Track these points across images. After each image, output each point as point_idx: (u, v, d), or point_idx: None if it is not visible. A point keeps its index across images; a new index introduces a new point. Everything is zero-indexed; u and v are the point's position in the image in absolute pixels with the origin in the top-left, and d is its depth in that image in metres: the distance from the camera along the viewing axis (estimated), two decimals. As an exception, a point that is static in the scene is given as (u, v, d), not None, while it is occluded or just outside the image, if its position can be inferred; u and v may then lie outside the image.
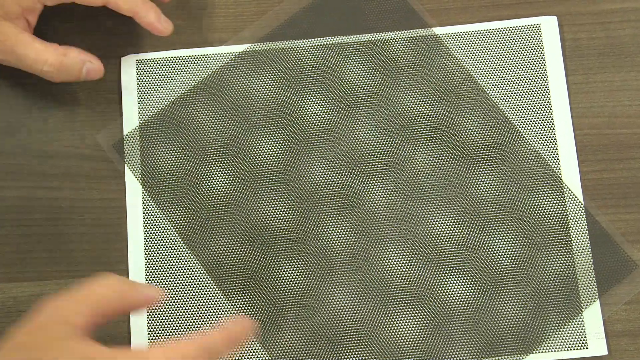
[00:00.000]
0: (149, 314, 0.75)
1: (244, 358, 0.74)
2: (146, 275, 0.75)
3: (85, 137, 0.79)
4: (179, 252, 0.76)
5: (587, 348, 0.74)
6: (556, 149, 0.78)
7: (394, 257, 0.76)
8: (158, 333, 0.75)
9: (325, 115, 0.79)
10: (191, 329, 0.75)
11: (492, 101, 0.78)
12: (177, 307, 0.75)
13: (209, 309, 0.75)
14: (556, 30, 0.80)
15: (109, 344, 0.60)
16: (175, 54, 0.80)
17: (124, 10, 0.75)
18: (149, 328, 0.75)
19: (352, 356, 0.74)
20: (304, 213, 0.77)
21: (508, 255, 0.75)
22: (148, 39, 0.81)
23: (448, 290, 0.75)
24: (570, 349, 0.74)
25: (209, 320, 0.75)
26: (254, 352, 0.74)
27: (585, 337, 0.74)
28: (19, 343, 0.58)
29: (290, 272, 0.76)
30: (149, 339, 0.74)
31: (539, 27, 0.80)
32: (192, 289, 0.75)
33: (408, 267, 0.75)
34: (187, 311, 0.75)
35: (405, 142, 0.78)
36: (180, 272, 0.76)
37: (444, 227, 0.76)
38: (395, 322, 0.74)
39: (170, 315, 0.75)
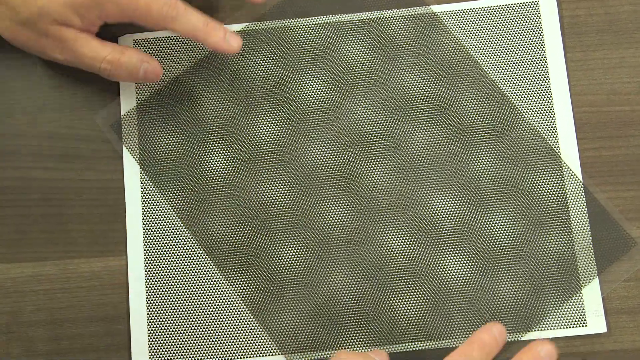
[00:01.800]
0: (148, 293, 0.75)
1: (247, 341, 0.74)
2: (144, 255, 0.75)
3: (83, 118, 0.79)
4: (178, 233, 0.76)
5: (586, 325, 0.74)
6: (555, 126, 0.77)
7: (393, 237, 0.75)
8: (156, 315, 0.75)
9: (323, 94, 0.78)
10: (190, 309, 0.75)
11: (491, 79, 0.78)
12: (176, 287, 0.75)
13: (208, 290, 0.75)
14: (554, 7, 0.79)
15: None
16: (173, 33, 0.80)
17: (183, 34, 0.74)
18: (148, 312, 0.75)
19: (352, 335, 0.74)
20: (302, 193, 0.77)
21: (507, 233, 0.75)
22: (145, 19, 0.81)
23: (447, 269, 0.75)
24: (570, 327, 0.74)
25: (209, 300, 0.75)
26: (254, 333, 0.74)
27: (584, 314, 0.74)
28: None
29: (289, 252, 0.75)
30: (148, 322, 0.75)
31: (537, 4, 0.79)
32: (190, 270, 0.75)
33: (407, 246, 0.75)
34: (186, 291, 0.75)
35: (403, 121, 0.78)
36: (178, 252, 0.76)
37: (442, 205, 0.76)
38: (394, 301, 0.74)
39: (169, 296, 0.75)
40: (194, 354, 0.74)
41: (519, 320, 0.74)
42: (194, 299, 0.75)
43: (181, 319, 0.75)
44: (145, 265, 0.75)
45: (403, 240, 0.75)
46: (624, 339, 0.74)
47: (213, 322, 0.75)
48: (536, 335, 0.74)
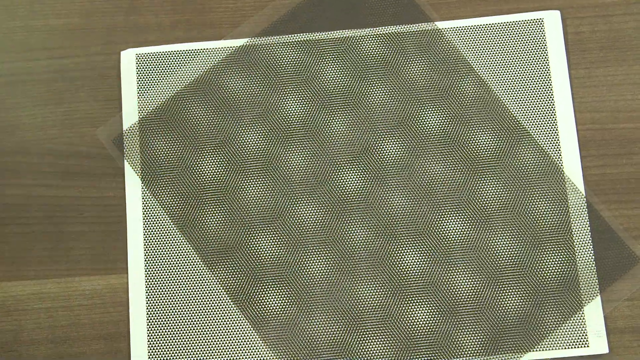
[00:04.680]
0: (148, 311, 0.75)
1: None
2: (145, 272, 0.75)
3: (85, 135, 0.78)
4: (179, 249, 0.76)
5: (587, 346, 0.73)
6: (558, 143, 0.77)
7: (402, 252, 0.75)
8: (157, 334, 0.75)
9: (326, 111, 0.78)
10: (193, 325, 0.75)
11: (495, 95, 0.78)
12: (178, 306, 0.75)
13: (209, 306, 0.75)
14: (559, 25, 0.79)
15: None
16: (175, 48, 0.80)
17: None
18: (148, 331, 0.75)
19: (361, 348, 0.74)
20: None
21: (510, 250, 0.75)
22: (148, 34, 0.80)
23: (455, 286, 0.74)
24: (571, 347, 0.73)
25: (210, 317, 0.75)
26: (255, 350, 0.74)
27: (586, 334, 0.73)
28: None
29: (299, 270, 0.75)
30: (148, 340, 0.75)
31: (542, 22, 0.79)
32: (192, 286, 0.75)
33: (416, 261, 0.75)
34: (187, 308, 0.75)
35: (409, 137, 0.77)
36: (180, 269, 0.76)
37: (450, 224, 0.76)
38: (407, 314, 0.74)
39: (170, 314, 0.75)
40: (195, 372, 0.74)
41: (520, 338, 0.73)
42: (196, 316, 0.75)
43: (182, 337, 0.75)
44: (147, 283, 0.75)
45: (412, 257, 0.75)
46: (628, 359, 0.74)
47: (214, 342, 0.75)
48: (536, 355, 0.73)
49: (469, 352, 0.74)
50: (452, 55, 0.79)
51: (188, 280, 0.75)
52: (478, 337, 0.74)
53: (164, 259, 0.76)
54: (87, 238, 0.77)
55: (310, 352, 0.74)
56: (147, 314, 0.75)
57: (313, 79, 0.79)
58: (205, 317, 0.75)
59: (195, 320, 0.75)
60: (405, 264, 0.75)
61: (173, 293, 0.75)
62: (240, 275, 0.75)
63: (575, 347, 0.73)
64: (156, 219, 0.77)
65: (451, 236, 0.75)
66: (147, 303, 0.75)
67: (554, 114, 0.78)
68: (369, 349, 0.74)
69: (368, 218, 0.76)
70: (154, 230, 0.76)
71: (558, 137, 0.77)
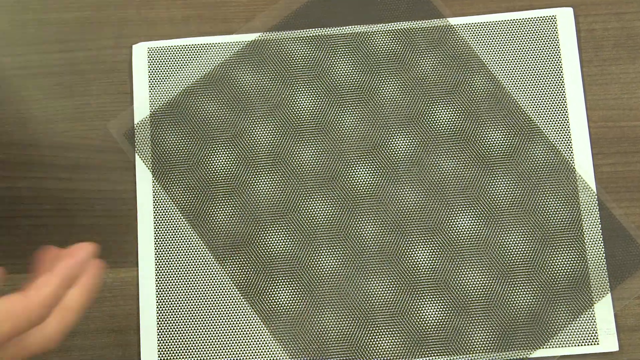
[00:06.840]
0: (159, 304, 0.75)
1: (260, 352, 0.74)
2: (156, 266, 0.75)
3: (96, 128, 0.79)
4: (189, 243, 0.76)
5: (597, 343, 0.73)
6: (570, 141, 0.77)
7: (411, 247, 0.75)
8: (167, 326, 0.75)
9: (337, 106, 0.78)
10: (201, 321, 0.75)
11: (507, 92, 0.78)
12: (187, 299, 0.75)
13: (220, 299, 0.75)
14: (572, 22, 0.79)
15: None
16: (188, 42, 0.80)
17: None
18: (158, 324, 0.75)
19: (374, 344, 0.74)
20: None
21: (521, 248, 0.75)
22: (160, 28, 0.81)
23: (465, 282, 0.74)
24: (581, 345, 0.73)
25: (221, 313, 0.75)
26: (266, 343, 0.74)
27: (596, 332, 0.73)
28: None
29: (311, 266, 0.75)
30: (158, 333, 0.75)
31: (555, 19, 0.79)
32: (202, 281, 0.75)
33: (426, 257, 0.75)
34: (197, 303, 0.75)
35: (421, 134, 0.77)
36: (190, 263, 0.76)
37: (460, 220, 0.76)
38: (418, 310, 0.74)
39: (180, 307, 0.75)
40: (205, 366, 0.74)
41: (530, 335, 0.73)
42: (205, 310, 0.75)
43: (192, 331, 0.75)
44: (157, 277, 0.75)
45: (423, 253, 0.75)
46: (637, 358, 0.74)
47: (225, 334, 0.75)
48: (546, 352, 0.73)
49: (480, 348, 0.74)
50: (464, 52, 0.79)
51: (198, 275, 0.75)
52: (489, 334, 0.74)
53: (174, 252, 0.76)
54: (97, 231, 0.77)
55: (321, 347, 0.74)
56: (157, 307, 0.75)
57: (324, 75, 0.79)
58: (215, 311, 0.75)
59: (205, 315, 0.75)
60: (416, 260, 0.75)
61: (183, 287, 0.75)
62: (251, 270, 0.75)
63: (585, 345, 0.73)
64: (167, 213, 0.77)
65: (462, 232, 0.75)
66: (157, 296, 0.75)
67: (566, 111, 0.77)
68: (380, 345, 0.74)
69: (379, 214, 0.76)
70: (164, 223, 0.76)
71: (570, 134, 0.77)
